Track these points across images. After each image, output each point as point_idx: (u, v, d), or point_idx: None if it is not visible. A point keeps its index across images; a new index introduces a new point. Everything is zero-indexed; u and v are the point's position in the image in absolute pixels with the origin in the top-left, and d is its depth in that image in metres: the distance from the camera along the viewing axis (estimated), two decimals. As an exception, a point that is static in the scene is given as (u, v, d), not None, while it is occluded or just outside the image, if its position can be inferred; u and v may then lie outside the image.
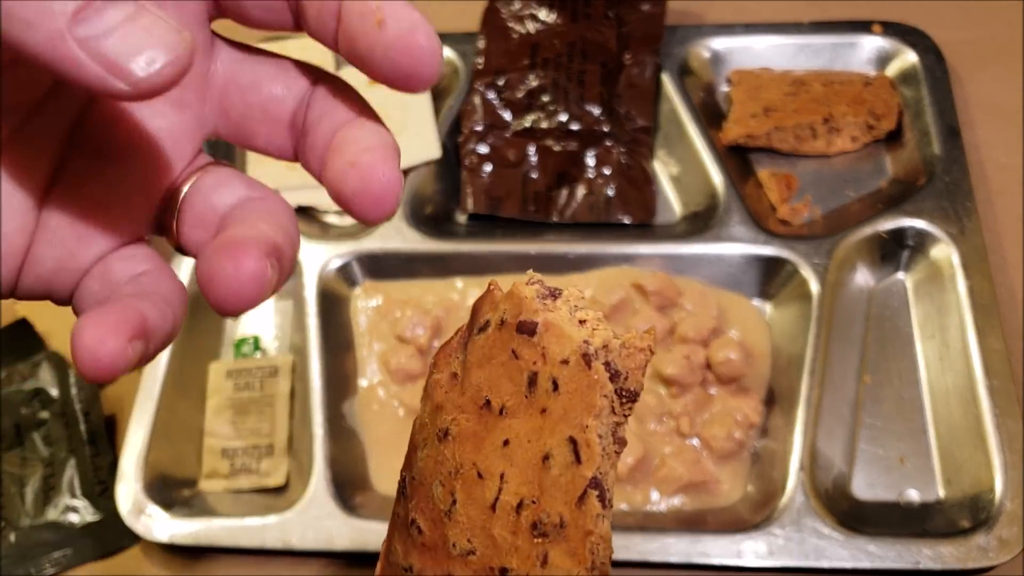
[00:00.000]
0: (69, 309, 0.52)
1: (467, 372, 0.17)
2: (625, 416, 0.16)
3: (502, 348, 0.17)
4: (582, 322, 0.16)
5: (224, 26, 0.18)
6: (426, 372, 0.45)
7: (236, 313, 0.16)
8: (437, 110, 0.51)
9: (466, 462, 0.17)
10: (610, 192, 0.48)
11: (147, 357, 0.16)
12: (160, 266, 0.17)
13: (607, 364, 0.15)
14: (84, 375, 0.15)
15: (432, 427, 0.18)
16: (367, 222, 0.16)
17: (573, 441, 0.15)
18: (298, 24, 0.17)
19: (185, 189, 0.17)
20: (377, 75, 0.16)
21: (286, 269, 0.16)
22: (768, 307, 0.44)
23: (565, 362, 0.16)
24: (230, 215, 0.17)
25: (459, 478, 0.17)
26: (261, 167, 0.50)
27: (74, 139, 0.16)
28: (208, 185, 0.17)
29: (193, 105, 0.17)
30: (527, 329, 0.16)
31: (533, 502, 0.16)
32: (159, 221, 0.18)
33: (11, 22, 0.12)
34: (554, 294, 0.17)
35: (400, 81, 0.16)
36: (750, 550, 0.36)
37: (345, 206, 0.16)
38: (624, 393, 0.16)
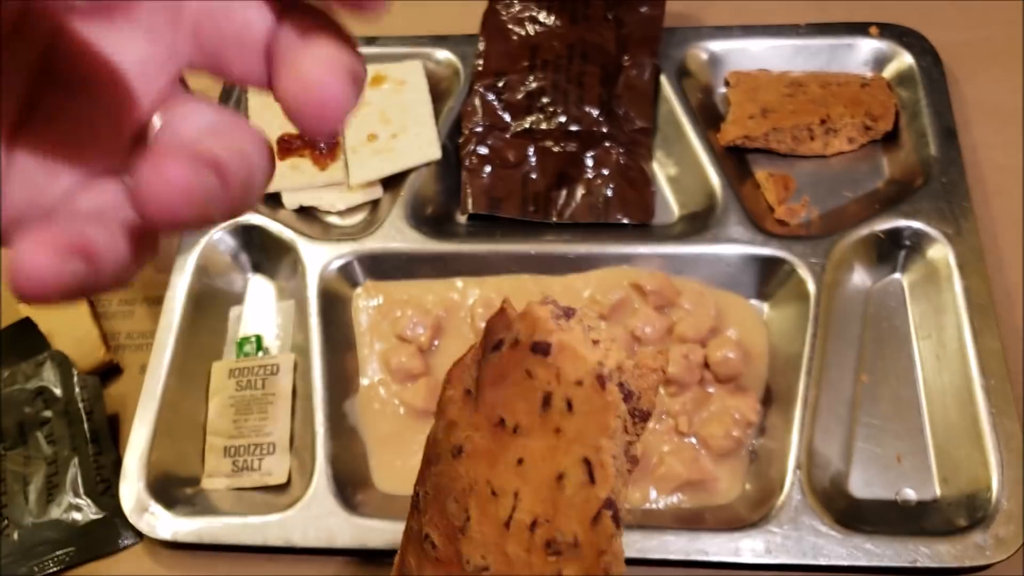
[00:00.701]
0: (70, 310, 0.52)
1: (481, 390, 0.17)
2: (637, 435, 0.16)
3: (516, 367, 0.17)
4: (595, 342, 0.16)
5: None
6: (426, 371, 0.45)
7: (169, 229, 0.14)
8: (437, 111, 0.51)
9: (480, 479, 0.17)
10: (609, 193, 0.48)
11: (90, 284, 0.15)
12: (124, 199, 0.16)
13: (621, 385, 0.16)
14: (16, 291, 0.14)
15: (446, 443, 0.18)
16: (312, 135, 0.16)
17: (587, 462, 0.15)
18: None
19: (157, 122, 0.16)
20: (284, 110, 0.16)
21: (233, 190, 0.15)
22: (766, 307, 0.45)
23: (579, 383, 0.16)
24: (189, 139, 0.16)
25: (473, 495, 0.17)
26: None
27: (42, 74, 0.16)
28: (177, 115, 0.17)
29: (165, 35, 0.16)
30: (541, 349, 0.16)
31: (547, 521, 0.16)
32: (133, 156, 0.17)
33: None
34: (568, 314, 0.17)
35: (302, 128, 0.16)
36: (748, 548, 0.37)
37: (290, 118, 0.16)
38: (637, 413, 0.16)
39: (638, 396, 0.16)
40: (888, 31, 0.50)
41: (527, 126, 0.50)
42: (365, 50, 0.54)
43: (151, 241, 0.16)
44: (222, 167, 0.15)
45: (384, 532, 0.38)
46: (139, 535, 0.41)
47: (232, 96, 0.53)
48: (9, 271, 0.14)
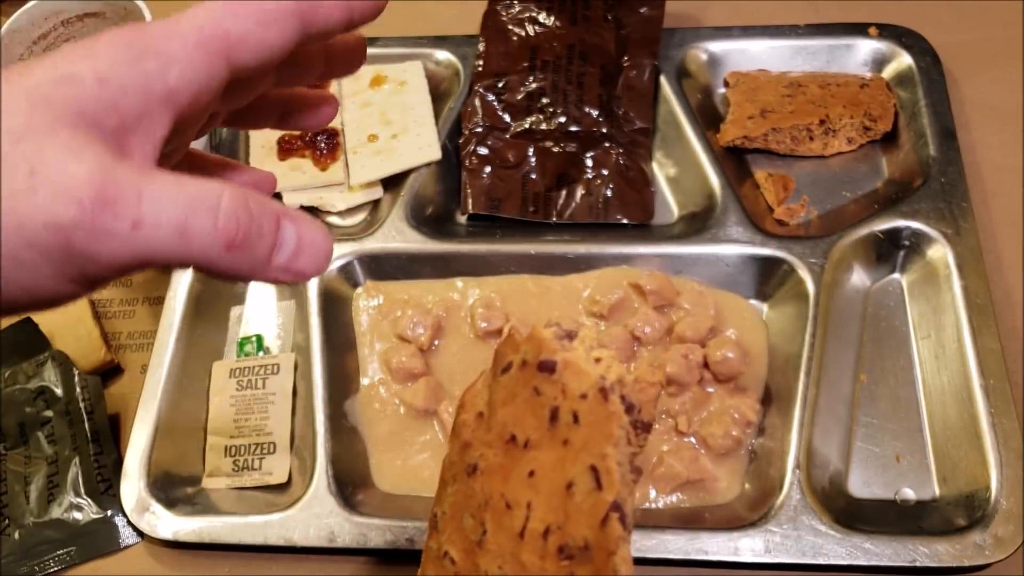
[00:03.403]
0: (71, 310, 0.52)
1: (492, 410, 0.18)
2: (640, 447, 0.17)
3: (525, 386, 0.18)
4: (597, 360, 0.17)
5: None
6: (426, 371, 0.45)
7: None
8: (437, 112, 0.51)
9: (495, 493, 0.18)
10: (609, 193, 0.48)
11: None
12: None
13: (622, 398, 0.17)
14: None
15: (461, 464, 0.19)
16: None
17: (594, 469, 0.16)
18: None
19: None
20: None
21: None
22: (765, 307, 0.45)
23: (584, 396, 0.17)
24: None
25: (488, 509, 0.18)
26: (262, 167, 0.50)
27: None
28: None
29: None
30: (547, 367, 0.17)
31: (559, 528, 0.17)
32: None
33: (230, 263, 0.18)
34: (571, 335, 0.18)
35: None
36: (747, 547, 0.37)
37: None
38: (639, 424, 0.17)
39: (639, 408, 0.17)
40: (887, 32, 0.50)
41: (527, 127, 0.50)
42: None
43: None
44: None
45: (384, 531, 0.38)
46: (140, 534, 0.41)
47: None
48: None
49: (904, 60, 0.49)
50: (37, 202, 0.16)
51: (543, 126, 0.50)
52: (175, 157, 0.23)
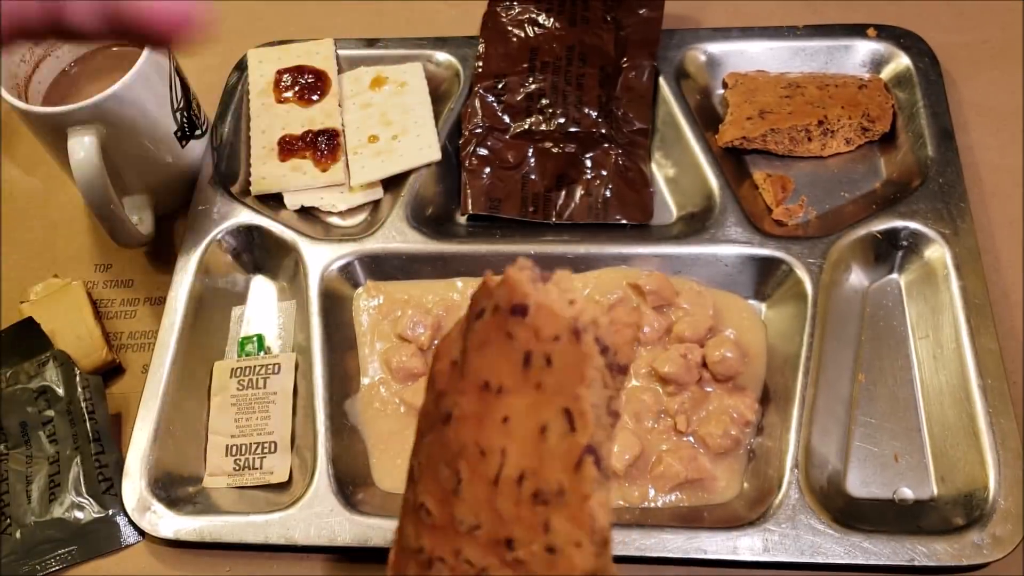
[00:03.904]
0: (72, 310, 0.53)
1: (466, 358, 0.18)
2: (618, 389, 0.17)
3: (498, 331, 0.17)
4: (572, 302, 0.17)
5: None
6: (427, 371, 0.45)
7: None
8: (437, 113, 0.51)
9: (469, 442, 0.18)
10: (608, 193, 0.48)
11: None
12: None
13: (597, 339, 0.16)
14: None
15: (436, 413, 0.19)
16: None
17: (567, 411, 0.16)
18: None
19: None
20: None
21: None
22: (763, 307, 0.45)
23: (557, 338, 0.16)
24: None
25: (463, 458, 0.18)
26: (263, 167, 0.50)
27: None
28: None
29: None
30: (520, 311, 0.17)
31: (533, 473, 0.16)
32: None
33: None
34: (544, 278, 0.17)
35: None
36: (746, 546, 0.37)
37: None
38: (615, 366, 0.16)
39: (615, 351, 0.17)
40: (886, 33, 0.50)
41: (526, 127, 0.50)
42: (367, 52, 0.54)
43: None
44: None
45: (385, 530, 0.39)
46: (141, 534, 0.41)
47: (233, 99, 0.53)
48: None
49: (902, 61, 0.50)
50: None
51: (543, 127, 0.50)
52: None
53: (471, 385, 0.18)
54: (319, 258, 0.46)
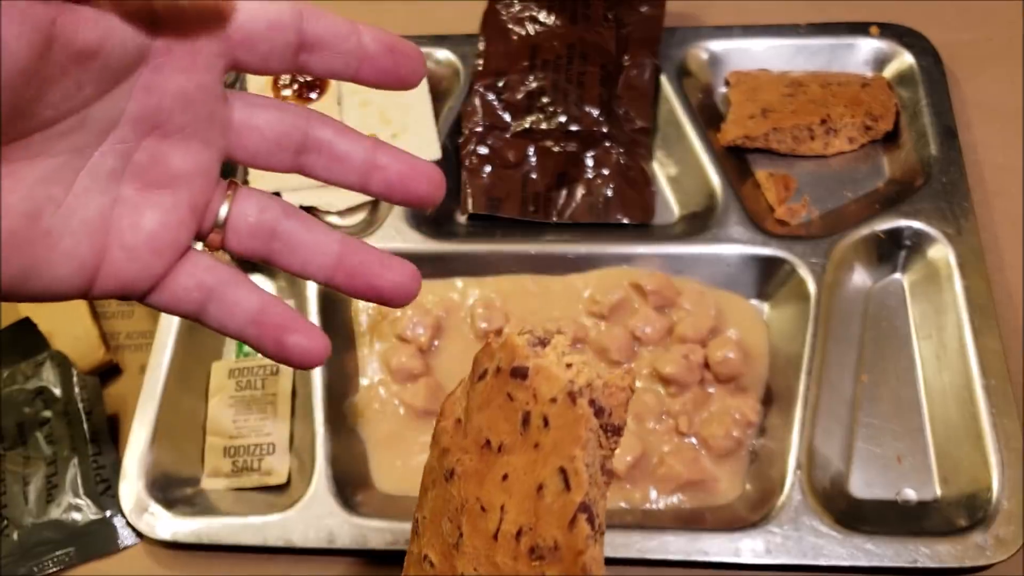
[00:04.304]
0: (70, 310, 0.52)
1: (469, 416, 0.19)
2: (612, 450, 0.18)
3: (499, 392, 0.18)
4: (569, 366, 0.17)
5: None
6: (426, 371, 0.45)
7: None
8: (437, 111, 0.51)
9: (470, 497, 0.18)
10: (609, 193, 0.48)
11: None
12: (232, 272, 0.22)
13: (592, 401, 0.17)
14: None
15: (439, 469, 0.19)
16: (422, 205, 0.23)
17: (563, 471, 0.17)
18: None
19: (226, 207, 0.22)
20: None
21: None
22: (766, 307, 0.45)
23: (554, 400, 0.17)
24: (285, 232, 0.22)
25: (465, 513, 0.19)
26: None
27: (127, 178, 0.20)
28: (252, 206, 0.22)
29: (217, 143, 0.21)
30: (519, 373, 0.18)
31: (530, 529, 0.17)
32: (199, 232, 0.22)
33: None
34: (543, 341, 0.18)
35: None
36: (748, 548, 0.37)
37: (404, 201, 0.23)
38: (609, 428, 0.17)
39: (609, 412, 0.17)
40: (888, 31, 0.50)
41: (527, 126, 0.50)
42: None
43: None
44: None
45: (384, 532, 0.38)
46: (139, 535, 0.41)
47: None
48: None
49: (905, 59, 0.49)
50: None
51: (543, 125, 0.49)
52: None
53: (473, 443, 0.19)
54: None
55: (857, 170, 0.48)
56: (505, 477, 0.18)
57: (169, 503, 0.40)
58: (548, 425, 0.17)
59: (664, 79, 0.50)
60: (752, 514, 0.38)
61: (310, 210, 0.50)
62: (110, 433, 0.44)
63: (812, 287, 0.42)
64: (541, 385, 0.17)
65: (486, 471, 0.18)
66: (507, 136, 0.50)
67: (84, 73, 0.17)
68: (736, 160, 0.49)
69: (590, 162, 0.49)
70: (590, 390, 0.17)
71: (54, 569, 0.41)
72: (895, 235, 0.44)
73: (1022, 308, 0.43)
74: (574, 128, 0.49)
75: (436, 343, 0.45)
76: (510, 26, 0.52)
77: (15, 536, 0.41)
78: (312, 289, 0.45)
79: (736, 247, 0.44)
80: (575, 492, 0.16)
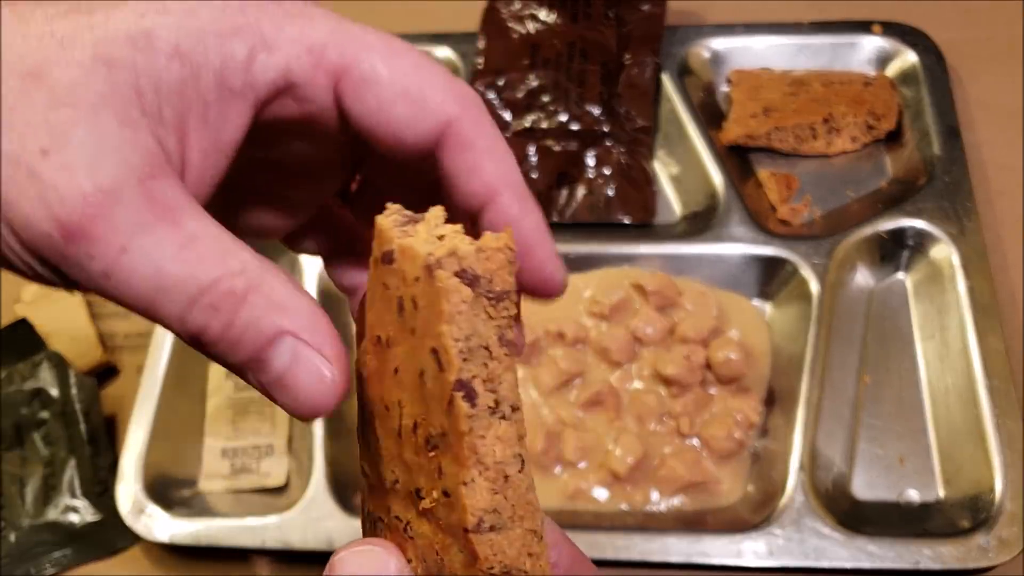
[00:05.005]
0: (67, 310, 0.52)
1: (363, 317, 0.18)
2: (505, 318, 0.16)
3: (377, 283, 0.17)
4: (440, 237, 0.16)
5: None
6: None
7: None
8: (437, 110, 0.51)
9: (376, 399, 0.18)
10: (610, 192, 0.48)
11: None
12: None
13: (462, 272, 0.15)
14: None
15: (354, 378, 0.19)
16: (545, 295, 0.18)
17: (434, 351, 0.16)
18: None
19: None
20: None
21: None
22: (768, 307, 0.44)
23: (417, 279, 0.16)
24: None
25: (376, 417, 0.18)
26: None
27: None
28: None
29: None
30: (387, 259, 0.16)
31: (423, 419, 0.16)
32: None
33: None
34: (415, 219, 0.17)
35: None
36: (750, 550, 0.36)
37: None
38: (491, 295, 0.16)
39: (489, 278, 0.16)
40: (891, 29, 0.50)
41: (527, 125, 0.49)
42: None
43: None
44: None
45: (384, 534, 0.38)
46: (136, 537, 0.41)
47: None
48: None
49: (908, 58, 0.49)
50: (23, 194, 0.14)
51: (544, 124, 0.49)
52: (303, 208, 0.20)
53: (370, 343, 0.18)
54: (316, 258, 0.46)
55: (859, 169, 0.48)
56: (396, 371, 0.17)
57: (167, 505, 0.40)
58: (417, 307, 0.16)
59: (665, 78, 0.50)
60: (754, 516, 0.38)
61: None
62: (107, 434, 0.44)
63: (814, 287, 0.42)
64: (406, 266, 0.16)
65: (383, 369, 0.17)
66: (507, 135, 0.49)
67: None
68: (738, 159, 0.49)
69: (591, 161, 0.48)
70: (457, 259, 0.15)
71: (51, 571, 0.41)
72: (898, 235, 0.44)
73: (1025, 308, 0.42)
74: (575, 127, 0.49)
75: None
76: (510, 24, 0.51)
77: (12, 538, 0.41)
78: (311, 290, 0.45)
79: (738, 247, 0.44)
80: (448, 371, 0.15)
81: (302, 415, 0.17)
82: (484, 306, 0.16)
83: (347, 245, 0.22)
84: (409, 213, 0.17)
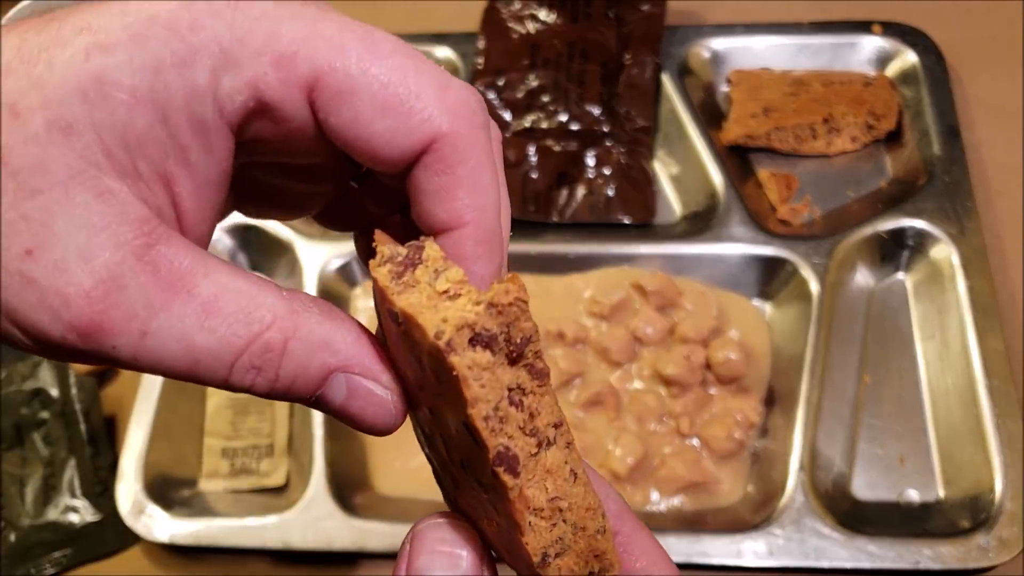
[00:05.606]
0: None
1: (393, 351, 0.17)
2: (533, 354, 0.15)
3: (389, 325, 0.16)
4: (444, 292, 0.15)
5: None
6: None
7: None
8: (437, 110, 0.51)
9: (412, 420, 0.18)
10: (610, 192, 0.48)
11: None
12: None
13: (476, 336, 0.15)
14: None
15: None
16: None
17: (467, 426, 0.15)
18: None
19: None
20: None
21: None
22: (768, 307, 0.44)
23: (430, 353, 0.15)
24: None
25: (419, 429, 0.19)
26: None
27: None
28: None
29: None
30: (394, 318, 0.15)
31: (469, 464, 0.16)
32: None
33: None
34: (411, 262, 0.16)
35: None
36: (750, 550, 0.36)
37: None
38: (513, 346, 0.15)
39: (506, 333, 0.15)
40: (891, 29, 0.50)
41: (527, 125, 0.49)
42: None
43: None
44: None
45: (383, 534, 0.38)
46: (136, 537, 0.41)
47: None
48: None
49: (908, 58, 0.49)
50: (24, 301, 0.13)
51: (544, 124, 0.49)
52: (311, 201, 0.19)
53: (407, 372, 0.17)
54: (316, 258, 0.46)
55: (859, 169, 0.48)
56: (432, 411, 0.16)
57: (167, 505, 0.40)
58: (438, 378, 0.15)
59: (665, 78, 0.50)
60: (754, 516, 0.38)
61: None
62: (107, 434, 0.44)
63: (814, 287, 0.42)
64: (416, 333, 0.15)
65: (414, 397, 0.17)
66: (507, 135, 0.49)
67: None
68: (738, 159, 0.49)
69: (591, 161, 0.48)
70: (468, 329, 0.14)
71: (52, 571, 0.41)
72: (898, 235, 0.44)
73: (1025, 308, 0.42)
74: (575, 127, 0.49)
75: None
76: (510, 24, 0.51)
77: (12, 537, 0.41)
78: (311, 290, 0.45)
79: (738, 247, 0.44)
80: (485, 449, 0.15)
81: (377, 435, 0.17)
82: (507, 356, 0.15)
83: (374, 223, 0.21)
84: (402, 252, 0.16)
